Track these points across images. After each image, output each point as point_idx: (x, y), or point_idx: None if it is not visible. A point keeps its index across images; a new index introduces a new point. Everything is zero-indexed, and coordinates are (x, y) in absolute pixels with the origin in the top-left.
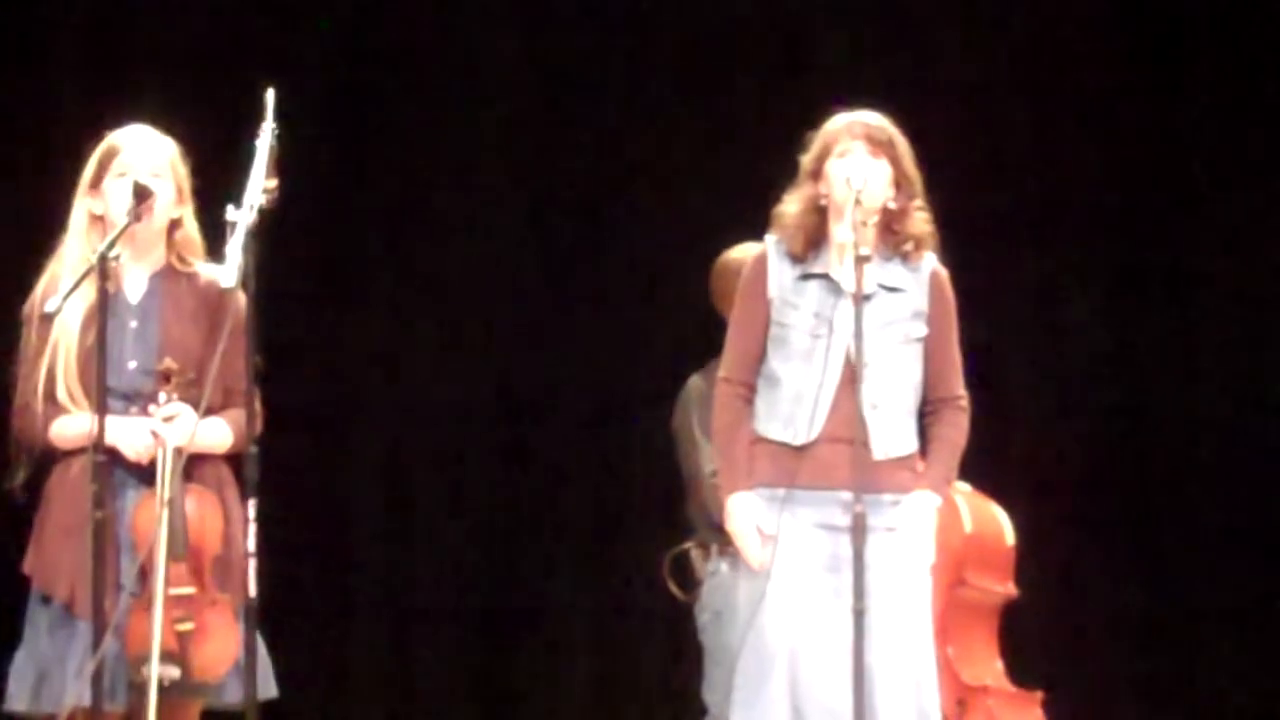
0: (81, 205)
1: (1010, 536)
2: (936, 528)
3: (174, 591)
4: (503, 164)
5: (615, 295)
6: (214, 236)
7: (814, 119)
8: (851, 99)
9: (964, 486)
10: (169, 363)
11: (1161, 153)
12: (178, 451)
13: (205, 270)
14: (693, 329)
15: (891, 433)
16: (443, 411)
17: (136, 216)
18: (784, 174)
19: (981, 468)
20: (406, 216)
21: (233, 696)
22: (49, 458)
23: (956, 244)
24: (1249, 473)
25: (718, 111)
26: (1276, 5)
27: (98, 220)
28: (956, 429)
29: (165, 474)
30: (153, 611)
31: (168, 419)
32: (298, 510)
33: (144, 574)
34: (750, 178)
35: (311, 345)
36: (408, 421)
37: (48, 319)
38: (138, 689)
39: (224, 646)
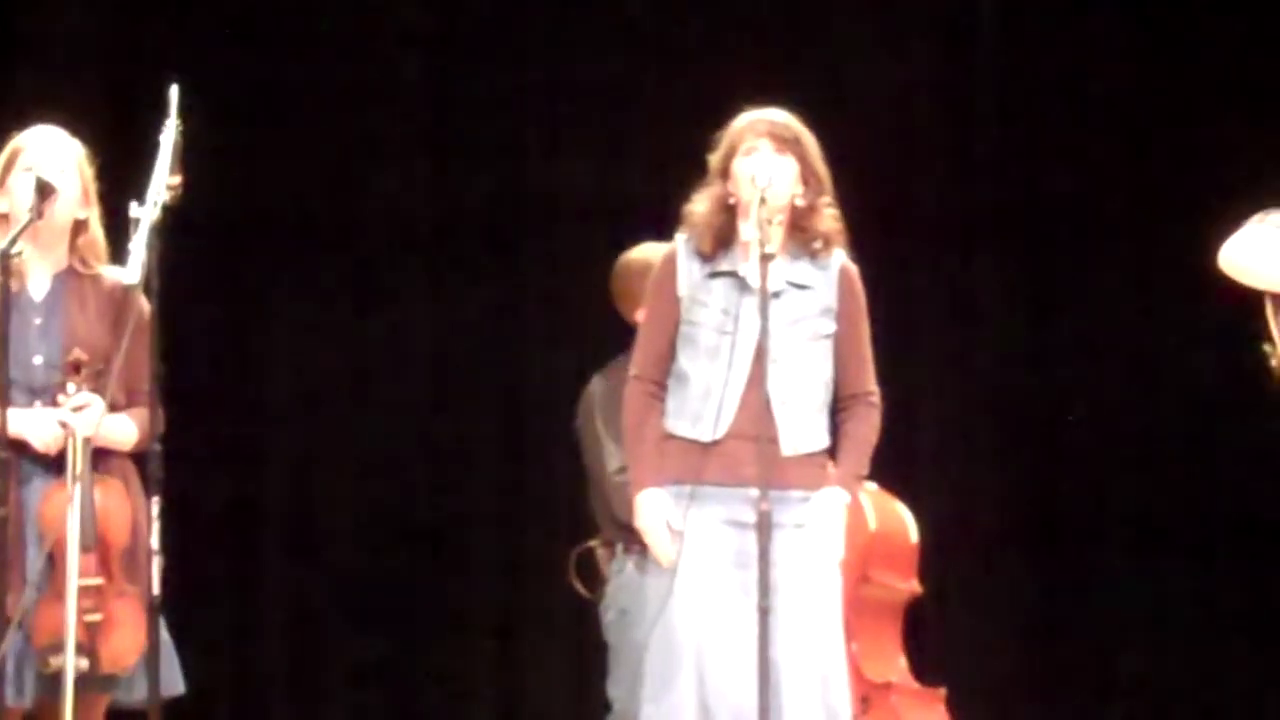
0: None
1: (914, 534)
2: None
3: (82, 582)
4: (408, 164)
5: (519, 293)
6: (117, 234)
7: (722, 118)
8: (761, 98)
9: (870, 485)
10: (78, 353)
11: (1078, 155)
12: (86, 441)
13: (109, 272)
14: (596, 328)
15: (800, 429)
16: (348, 410)
17: (39, 213)
18: (688, 174)
19: (887, 465)
20: (310, 216)
21: (140, 693)
22: None
23: (867, 241)
24: (1157, 471)
25: (623, 111)
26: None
27: (3, 219)
28: (867, 425)
29: (75, 463)
30: (63, 602)
31: (77, 409)
32: (205, 508)
33: (52, 564)
34: (653, 177)
35: (218, 344)
36: (314, 421)
37: None
38: (44, 682)
39: (132, 638)
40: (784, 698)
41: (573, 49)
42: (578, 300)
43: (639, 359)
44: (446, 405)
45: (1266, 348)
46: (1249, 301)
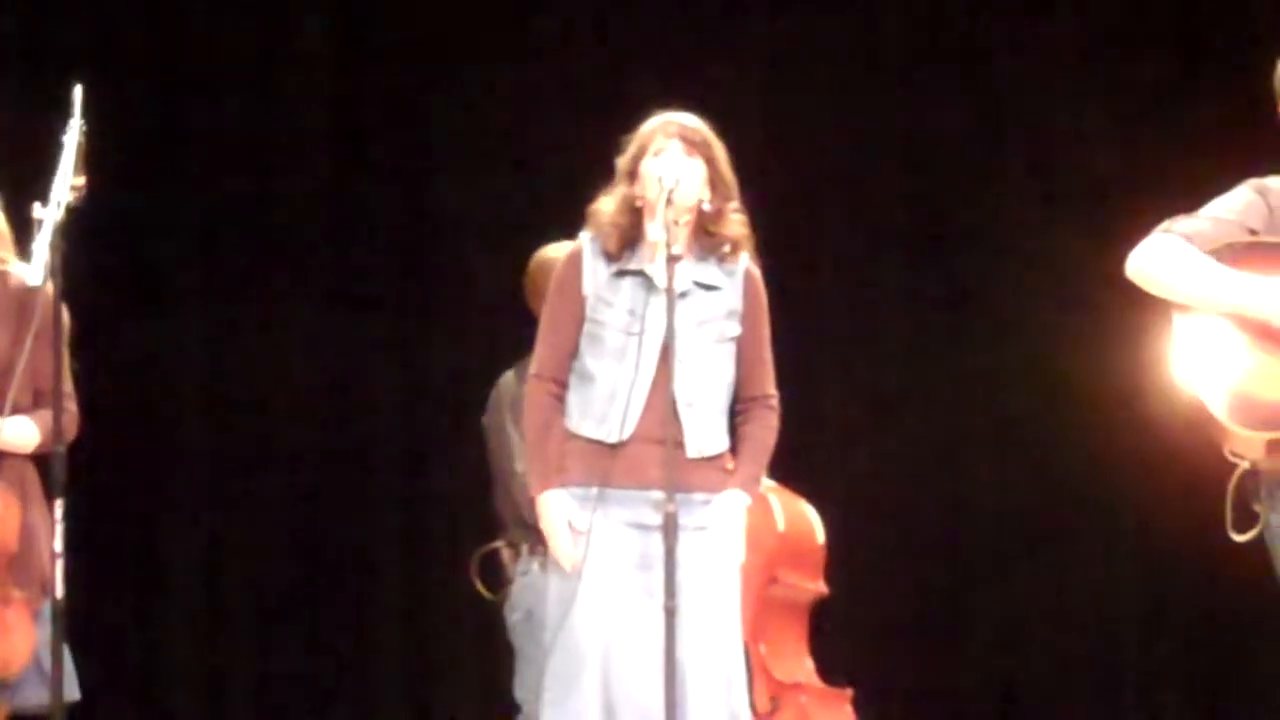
0: None
1: (821, 535)
2: (750, 526)
3: None
4: (315, 160)
5: (428, 292)
6: (22, 234)
7: (631, 120)
8: (669, 101)
9: (769, 482)
10: None
11: (982, 157)
12: None
13: (15, 269)
14: (507, 326)
15: (704, 431)
16: (256, 409)
17: None
18: (599, 174)
19: (792, 465)
20: (218, 215)
21: (32, 698)
22: None
23: (774, 245)
24: (1060, 473)
25: (536, 112)
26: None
27: None
28: (766, 428)
29: None
30: None
31: None
32: (109, 511)
33: None
34: (566, 177)
35: (126, 345)
36: (222, 421)
37: None
38: None
39: (19, 643)
40: (688, 699)
41: (478, 58)
42: (485, 297)
43: (541, 357)
44: (351, 405)
45: (1171, 354)
46: (1156, 309)
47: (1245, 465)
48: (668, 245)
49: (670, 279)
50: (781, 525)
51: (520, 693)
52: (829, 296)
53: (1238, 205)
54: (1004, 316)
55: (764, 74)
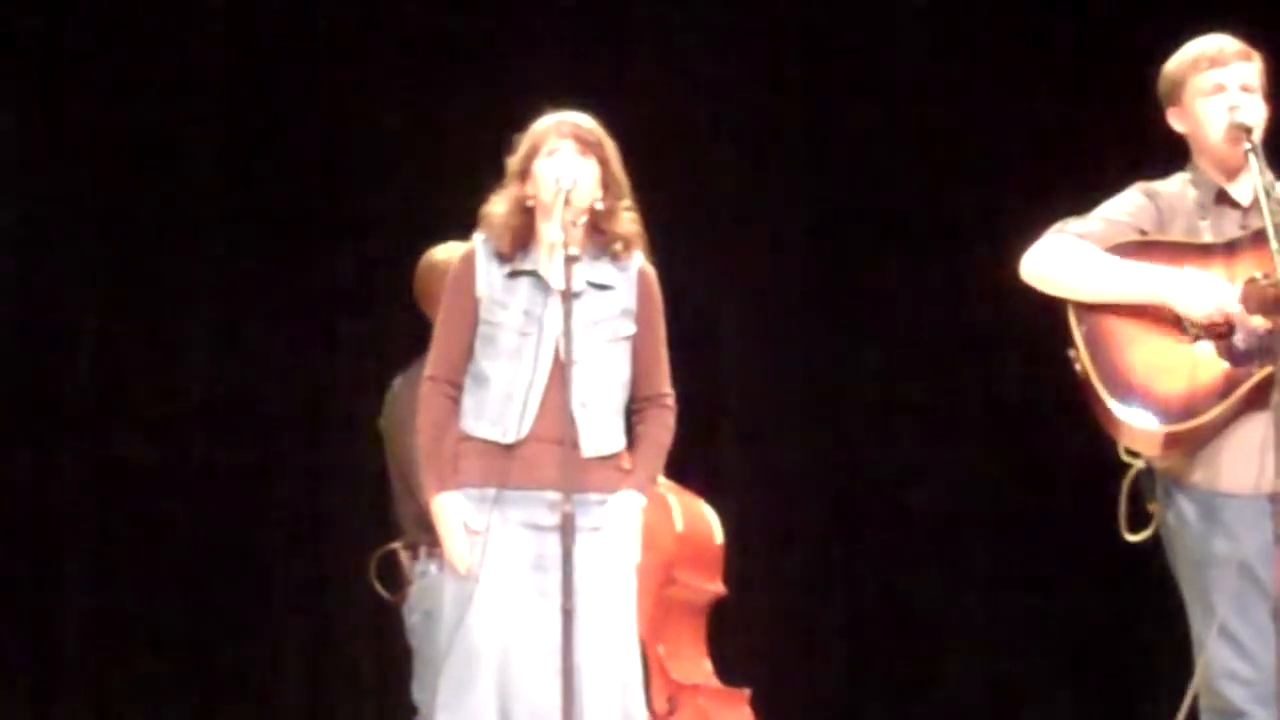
0: None
1: (719, 536)
2: (648, 526)
3: None
4: (211, 162)
5: (323, 294)
6: None
7: (522, 119)
8: (560, 100)
9: (668, 483)
10: None
11: (882, 158)
12: None
13: None
14: (400, 328)
15: (600, 432)
16: (147, 412)
17: None
18: (491, 174)
19: (689, 465)
20: (104, 216)
21: None
22: None
23: (670, 244)
24: (960, 472)
25: (428, 111)
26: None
27: None
28: (662, 428)
29: None
30: None
31: None
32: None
33: None
34: (458, 177)
35: (12, 353)
36: (112, 425)
37: None
38: None
39: None
40: (585, 701)
41: (380, 50)
42: (381, 299)
43: (435, 359)
44: (248, 407)
45: (1071, 353)
46: (1052, 309)
47: (1140, 465)
48: (565, 245)
49: (568, 280)
50: (680, 526)
51: (418, 694)
52: (725, 295)
53: (1129, 206)
54: (899, 314)
55: (660, 71)
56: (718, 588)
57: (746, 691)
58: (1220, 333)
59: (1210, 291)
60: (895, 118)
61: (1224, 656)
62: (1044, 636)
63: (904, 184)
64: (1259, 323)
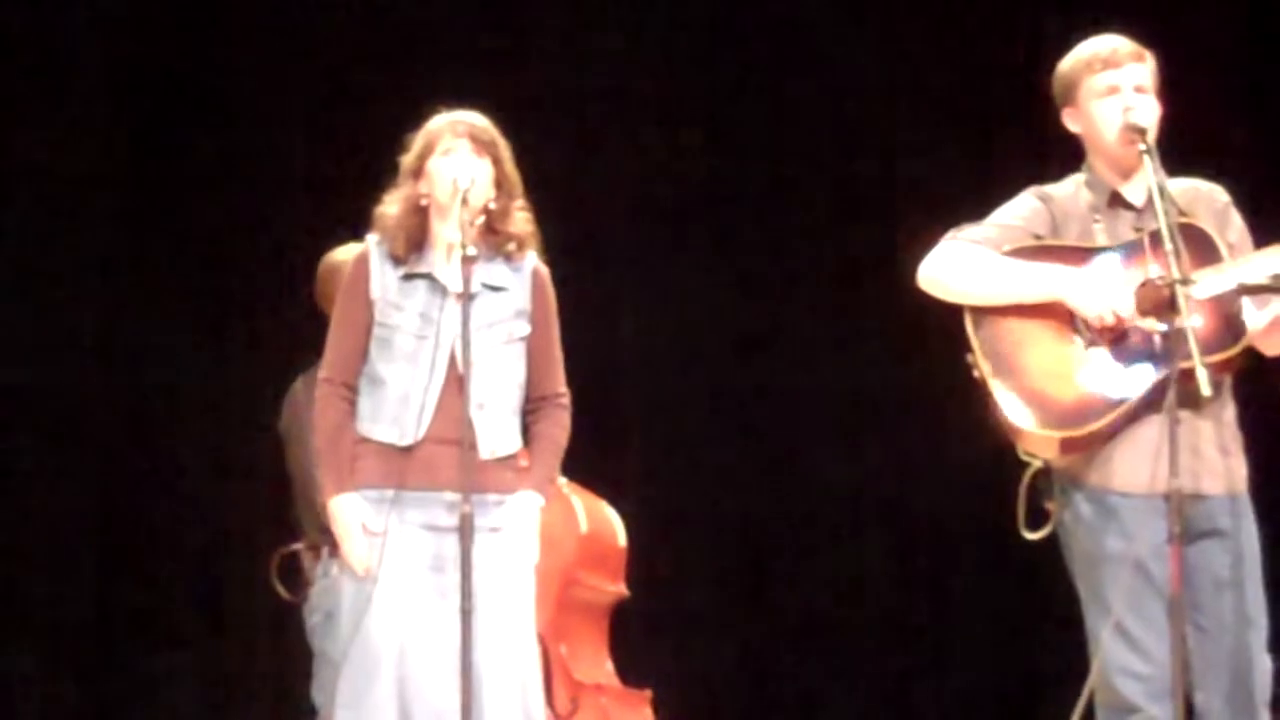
0: None
1: (622, 537)
2: (552, 527)
3: None
4: (101, 164)
5: (223, 294)
6: None
7: (418, 118)
8: (458, 99)
9: (570, 483)
10: None
11: (780, 152)
12: None
13: None
14: (300, 329)
15: (497, 432)
16: (47, 410)
17: None
18: (386, 173)
19: (589, 465)
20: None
21: None
22: None
23: (568, 243)
24: (856, 468)
25: (325, 109)
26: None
27: None
28: (559, 427)
29: None
30: None
31: None
32: None
33: None
34: (355, 178)
35: None
36: (17, 420)
37: None
38: None
39: None
40: (484, 701)
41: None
42: (280, 301)
43: (330, 361)
44: (148, 406)
45: (969, 359)
46: (950, 315)
47: (1037, 464)
48: (463, 246)
49: (467, 281)
50: (584, 527)
51: (318, 695)
52: (623, 293)
53: (1023, 211)
54: (798, 317)
55: (554, 70)
56: (620, 589)
57: (648, 692)
58: (1114, 336)
59: (1104, 292)
60: (797, 105)
61: (1119, 653)
62: (943, 635)
63: (806, 172)
64: (1153, 325)
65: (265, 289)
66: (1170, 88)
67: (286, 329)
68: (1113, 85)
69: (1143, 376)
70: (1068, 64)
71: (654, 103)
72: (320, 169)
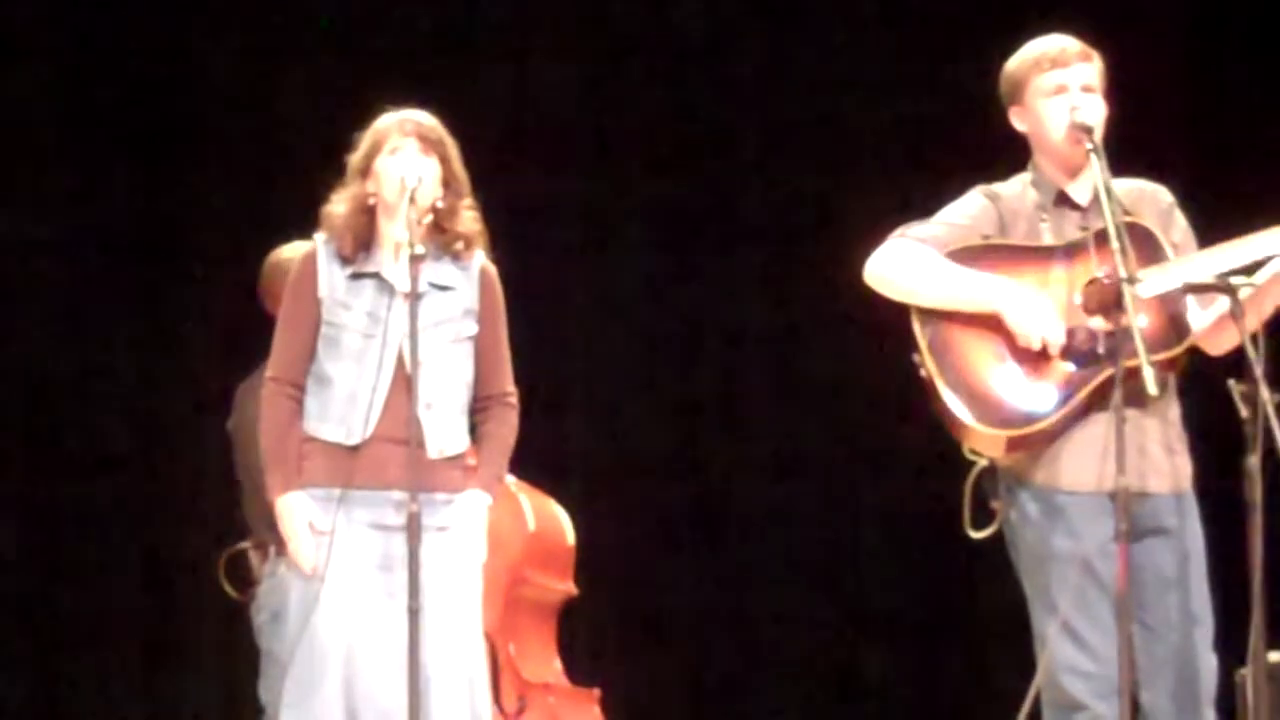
0: None
1: (571, 536)
2: (500, 526)
3: None
4: (48, 158)
5: (169, 293)
6: None
7: (365, 117)
8: (404, 98)
9: (519, 482)
10: None
11: (723, 157)
12: None
13: None
14: (247, 328)
15: (445, 432)
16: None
17: None
18: (332, 172)
19: (537, 464)
20: None
21: None
22: None
23: (515, 242)
24: (803, 472)
25: (271, 108)
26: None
27: None
28: (506, 426)
29: None
30: None
31: None
32: None
33: None
34: (301, 177)
35: None
36: None
37: None
38: None
39: None
40: (431, 700)
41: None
42: (229, 301)
43: (277, 361)
44: (93, 404)
45: (915, 357)
46: (896, 314)
47: (983, 462)
48: (410, 245)
49: (415, 281)
50: (532, 526)
51: (266, 694)
52: (570, 292)
53: (971, 210)
54: (742, 316)
55: (506, 70)
56: (568, 587)
57: (596, 691)
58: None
59: (1038, 318)
60: (736, 114)
61: (1065, 651)
62: (889, 631)
63: (747, 178)
64: (1099, 324)
65: (212, 285)
66: (1117, 89)
67: (236, 327)
68: (1060, 84)
69: (1088, 375)
70: (1015, 63)
71: (596, 100)
72: (271, 166)
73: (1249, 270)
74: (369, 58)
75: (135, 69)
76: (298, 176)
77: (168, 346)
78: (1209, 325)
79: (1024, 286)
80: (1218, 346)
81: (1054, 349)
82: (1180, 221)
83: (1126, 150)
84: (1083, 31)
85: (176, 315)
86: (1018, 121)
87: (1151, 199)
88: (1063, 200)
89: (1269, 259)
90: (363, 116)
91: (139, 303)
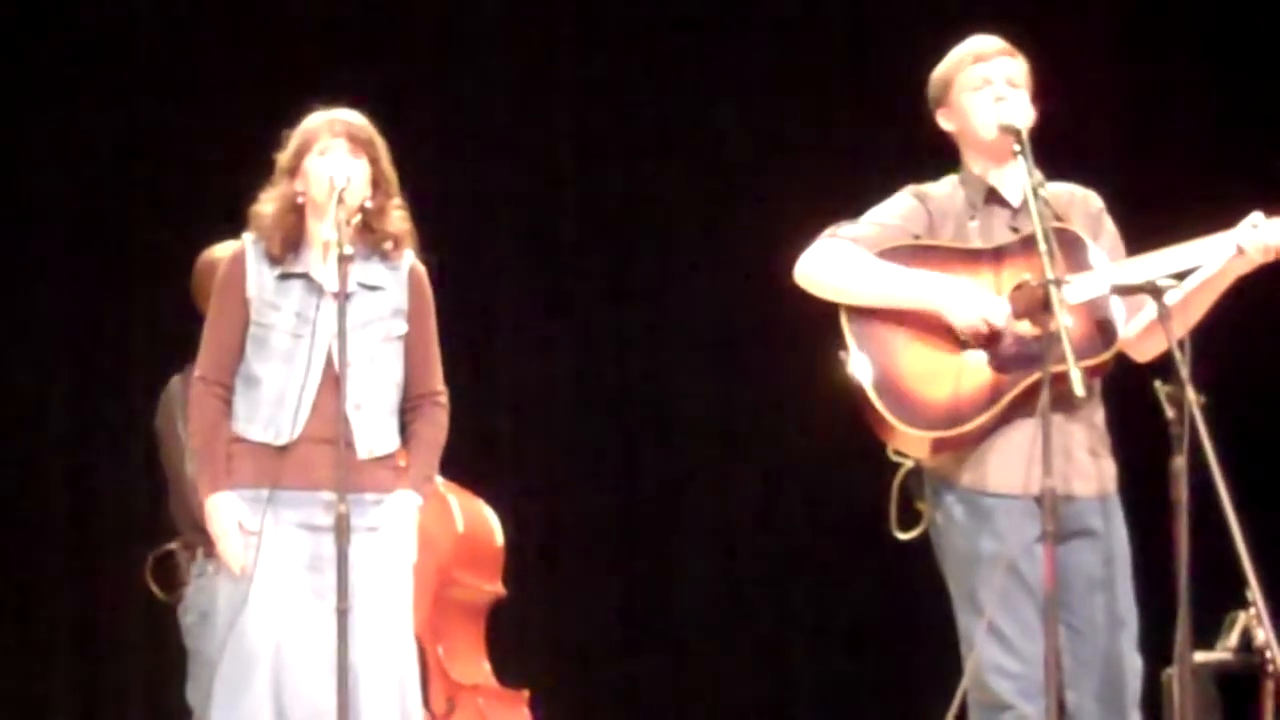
0: None
1: (500, 537)
2: (429, 526)
3: None
4: None
5: (98, 292)
6: None
7: (293, 116)
8: (333, 97)
9: (448, 483)
10: None
11: (659, 159)
12: None
13: None
14: (176, 327)
15: (375, 432)
16: None
17: None
18: (263, 173)
19: (467, 465)
20: None
21: None
22: None
23: (446, 242)
24: (727, 469)
25: (205, 108)
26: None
27: None
28: (436, 426)
29: None
30: None
31: None
32: None
33: None
34: (235, 178)
35: None
36: None
37: None
38: None
39: None
40: (361, 700)
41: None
42: (154, 299)
43: (205, 360)
44: (16, 402)
45: (842, 355)
46: (826, 312)
47: (909, 464)
48: (340, 245)
49: (343, 281)
50: (461, 526)
51: (193, 696)
52: (501, 293)
53: (900, 210)
54: (674, 316)
55: (437, 71)
56: (497, 588)
57: (525, 692)
58: (988, 339)
59: (976, 301)
60: (664, 122)
61: (991, 652)
62: (820, 632)
63: (677, 187)
64: (1026, 328)
65: (140, 282)
66: (1044, 93)
67: (164, 326)
68: (985, 78)
69: (1015, 378)
70: (941, 66)
71: (525, 102)
72: (201, 165)
73: (1178, 278)
74: (298, 54)
75: (44, 52)
76: (229, 172)
77: (98, 342)
78: (1139, 333)
79: (955, 278)
80: (1147, 354)
81: (999, 327)
82: (1109, 228)
83: (1057, 151)
84: (1012, 32)
85: (107, 311)
86: (945, 122)
87: (1082, 204)
88: (993, 197)
89: (1197, 268)
90: (293, 114)
91: (70, 299)
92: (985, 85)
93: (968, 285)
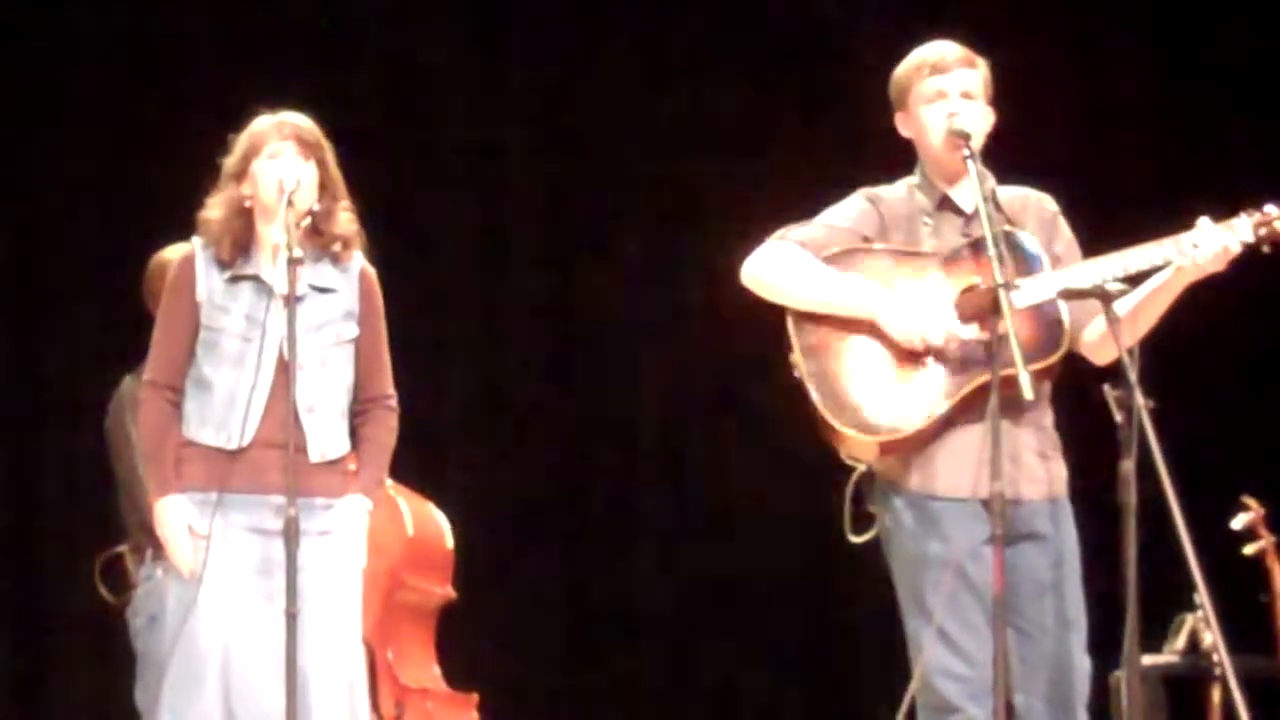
0: None
1: (450, 540)
2: (379, 530)
3: None
4: None
5: (49, 295)
6: None
7: (242, 121)
8: (284, 100)
9: (398, 486)
10: None
11: (603, 157)
12: None
13: None
14: (127, 329)
15: (326, 435)
16: None
17: None
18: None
19: (417, 468)
20: None
21: None
22: None
23: (399, 246)
24: (678, 472)
25: (154, 108)
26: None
27: None
28: (386, 430)
29: None
30: None
31: None
32: None
33: None
34: (181, 179)
35: None
36: None
37: None
38: None
39: None
40: (311, 703)
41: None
42: (105, 300)
43: (155, 363)
44: None
45: (791, 358)
46: (773, 315)
47: (862, 468)
48: (289, 248)
49: (292, 284)
50: (411, 530)
51: (142, 699)
52: (453, 296)
53: (851, 213)
54: (624, 320)
55: (385, 74)
56: (447, 592)
57: (475, 696)
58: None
59: (914, 318)
60: (619, 123)
61: (940, 655)
62: (769, 637)
63: (630, 194)
64: (974, 332)
65: (96, 287)
66: (1004, 97)
67: (115, 329)
68: (940, 90)
69: (961, 381)
70: (901, 69)
71: (483, 111)
72: (148, 164)
73: (1130, 281)
74: (245, 59)
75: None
76: (179, 173)
77: (45, 343)
78: (1098, 338)
79: (899, 292)
80: (1104, 357)
81: (935, 345)
82: (1064, 232)
83: (1014, 153)
84: (969, 37)
85: (53, 312)
86: (902, 128)
87: (1036, 207)
88: (946, 204)
89: (1150, 272)
90: (241, 116)
91: (15, 299)
92: (939, 99)
93: (909, 299)
